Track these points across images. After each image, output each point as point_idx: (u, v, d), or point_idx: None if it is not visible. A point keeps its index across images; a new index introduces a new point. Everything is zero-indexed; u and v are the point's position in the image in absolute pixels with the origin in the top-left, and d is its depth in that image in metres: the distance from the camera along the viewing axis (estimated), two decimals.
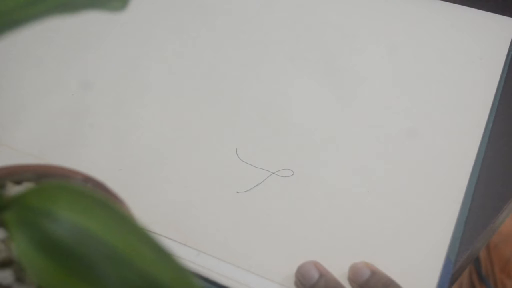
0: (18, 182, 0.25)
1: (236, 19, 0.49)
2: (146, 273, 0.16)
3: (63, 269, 0.16)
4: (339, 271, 0.31)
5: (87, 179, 0.26)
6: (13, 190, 0.24)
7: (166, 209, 0.34)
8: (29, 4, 0.18)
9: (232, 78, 0.43)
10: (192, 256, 0.32)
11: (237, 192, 0.35)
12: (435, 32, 0.47)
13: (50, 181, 0.19)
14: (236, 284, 0.31)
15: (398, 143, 0.38)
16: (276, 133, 0.39)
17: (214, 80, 0.43)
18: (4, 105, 0.41)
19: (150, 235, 0.17)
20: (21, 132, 0.39)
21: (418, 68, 0.44)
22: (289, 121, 0.40)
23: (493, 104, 0.41)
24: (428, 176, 0.36)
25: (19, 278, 0.21)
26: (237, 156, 0.38)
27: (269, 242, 0.33)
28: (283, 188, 0.36)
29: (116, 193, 0.25)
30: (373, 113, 0.40)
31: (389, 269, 0.31)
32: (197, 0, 0.51)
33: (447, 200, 0.35)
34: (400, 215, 0.34)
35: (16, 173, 0.25)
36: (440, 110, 0.41)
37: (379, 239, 0.33)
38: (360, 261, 0.31)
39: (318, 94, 0.42)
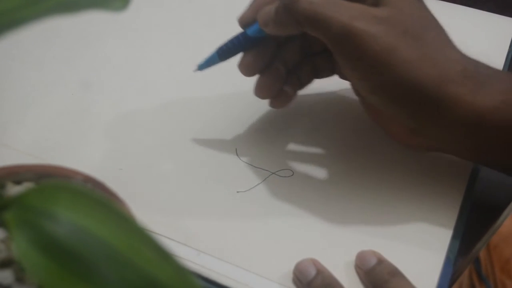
0: (18, 182, 0.25)
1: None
2: (146, 273, 0.16)
3: (63, 269, 0.16)
4: (338, 270, 0.31)
5: (87, 179, 0.26)
6: (13, 190, 0.24)
7: (166, 209, 0.34)
8: (29, 4, 0.18)
9: (233, 77, 0.43)
10: (192, 256, 0.32)
11: (237, 192, 0.35)
12: None
13: (50, 181, 0.19)
14: (236, 284, 0.31)
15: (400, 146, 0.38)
16: (277, 132, 0.39)
17: (214, 80, 0.43)
18: (5, 105, 0.41)
19: (150, 235, 0.17)
20: (21, 132, 0.39)
21: None
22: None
23: None
24: (428, 175, 0.36)
25: (19, 278, 0.21)
26: (237, 155, 0.38)
27: (269, 241, 0.33)
28: (283, 188, 0.36)
29: (116, 193, 0.25)
30: None
31: None
32: (197, 0, 0.51)
33: (447, 199, 0.35)
34: (400, 215, 0.34)
35: (16, 173, 0.25)
36: None
37: (378, 239, 0.33)
38: (368, 249, 0.32)
39: None
